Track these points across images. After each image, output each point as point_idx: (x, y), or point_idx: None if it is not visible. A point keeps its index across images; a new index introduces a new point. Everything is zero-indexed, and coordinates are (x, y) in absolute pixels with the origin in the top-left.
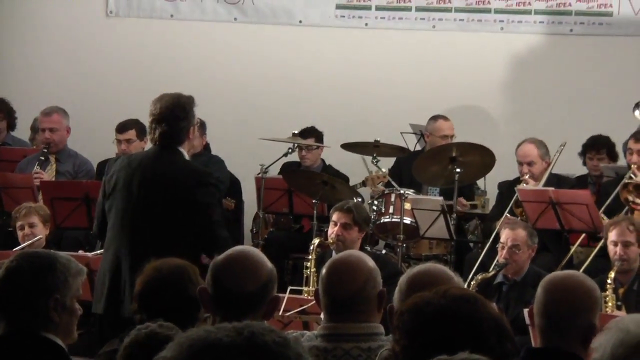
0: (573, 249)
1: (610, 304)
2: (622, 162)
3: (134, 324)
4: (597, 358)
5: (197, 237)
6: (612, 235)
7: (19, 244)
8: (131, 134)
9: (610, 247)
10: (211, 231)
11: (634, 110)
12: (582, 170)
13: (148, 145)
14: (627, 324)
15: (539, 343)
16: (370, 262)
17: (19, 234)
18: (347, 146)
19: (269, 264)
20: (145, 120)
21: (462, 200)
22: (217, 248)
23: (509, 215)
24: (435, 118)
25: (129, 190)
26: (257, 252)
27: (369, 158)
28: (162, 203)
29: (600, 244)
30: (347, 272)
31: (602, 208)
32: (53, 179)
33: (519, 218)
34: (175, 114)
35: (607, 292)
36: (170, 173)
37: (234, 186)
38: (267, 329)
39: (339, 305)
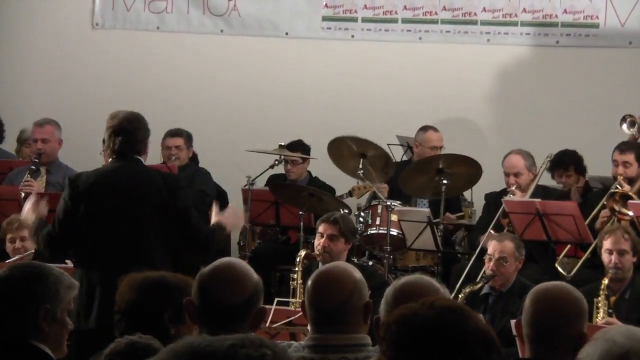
0: (559, 258)
1: (602, 310)
2: (597, 172)
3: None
4: None
5: (184, 240)
6: (607, 244)
7: (8, 256)
8: None
9: (605, 255)
10: (197, 232)
11: (621, 124)
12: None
13: None
14: (613, 335)
15: (527, 354)
16: (356, 274)
17: (9, 246)
18: (334, 157)
19: (255, 275)
20: None
21: (449, 215)
22: (207, 245)
23: (492, 231)
24: (424, 129)
25: (108, 207)
26: (243, 264)
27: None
28: (146, 211)
29: (586, 255)
30: (332, 284)
31: (588, 220)
32: (43, 190)
33: (506, 229)
34: (135, 125)
35: (600, 298)
36: (144, 181)
37: (221, 198)
38: (254, 343)
39: (324, 316)
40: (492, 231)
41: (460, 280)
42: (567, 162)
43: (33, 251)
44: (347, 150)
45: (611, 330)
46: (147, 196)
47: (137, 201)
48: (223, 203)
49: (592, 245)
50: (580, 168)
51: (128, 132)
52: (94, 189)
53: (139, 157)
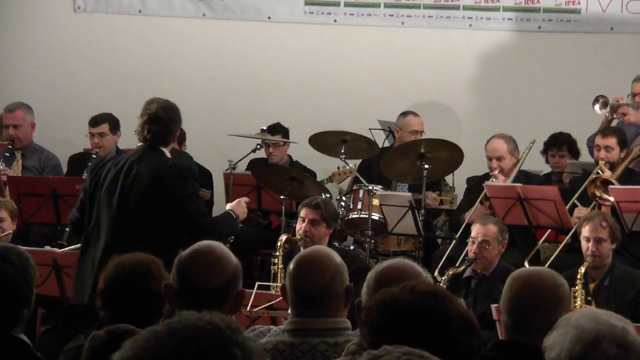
0: (539, 244)
1: (579, 299)
2: (587, 158)
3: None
4: (553, 357)
5: (182, 229)
6: (585, 231)
7: None
8: (104, 127)
9: (583, 243)
10: (195, 222)
11: (593, 104)
12: (550, 168)
13: (121, 140)
14: (579, 321)
15: (505, 337)
16: (338, 258)
17: None
18: (315, 142)
19: (234, 258)
20: (117, 115)
21: (432, 194)
22: (205, 234)
23: (480, 204)
24: (405, 114)
25: (113, 189)
26: (222, 247)
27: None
28: (144, 200)
29: (566, 240)
30: (314, 268)
31: (569, 204)
32: (19, 175)
33: (488, 212)
34: (169, 115)
35: (577, 287)
36: (152, 171)
37: (207, 179)
38: (206, 332)
39: (306, 300)
40: (480, 204)
41: (440, 265)
42: (561, 142)
43: (11, 232)
44: (328, 140)
45: (575, 316)
46: (140, 186)
47: (129, 190)
48: (208, 185)
49: (572, 230)
50: (574, 150)
51: (162, 122)
52: (100, 174)
53: (163, 149)
